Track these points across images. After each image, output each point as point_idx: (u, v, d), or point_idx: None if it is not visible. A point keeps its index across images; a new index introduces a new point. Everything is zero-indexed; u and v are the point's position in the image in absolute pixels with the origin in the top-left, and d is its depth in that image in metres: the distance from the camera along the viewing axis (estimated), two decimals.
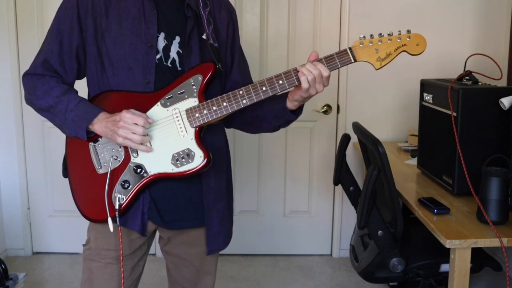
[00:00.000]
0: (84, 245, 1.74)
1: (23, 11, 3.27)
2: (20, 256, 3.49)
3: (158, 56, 1.60)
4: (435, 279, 2.30)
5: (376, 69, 1.58)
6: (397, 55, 1.57)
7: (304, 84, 1.54)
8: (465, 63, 2.36)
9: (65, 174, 1.69)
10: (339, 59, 1.56)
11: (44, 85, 1.60)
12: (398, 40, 1.55)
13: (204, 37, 1.63)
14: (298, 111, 1.67)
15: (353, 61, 1.56)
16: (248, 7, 3.33)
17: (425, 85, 2.50)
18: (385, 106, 3.37)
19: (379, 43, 1.56)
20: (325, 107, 3.37)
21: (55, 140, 3.36)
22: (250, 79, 1.80)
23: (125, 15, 1.60)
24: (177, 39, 1.62)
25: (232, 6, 1.78)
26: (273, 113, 1.67)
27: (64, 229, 3.43)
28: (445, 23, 3.29)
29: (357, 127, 2.48)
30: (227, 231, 1.79)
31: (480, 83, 2.27)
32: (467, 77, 2.30)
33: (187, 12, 1.62)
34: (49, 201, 3.46)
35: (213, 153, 1.62)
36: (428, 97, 2.45)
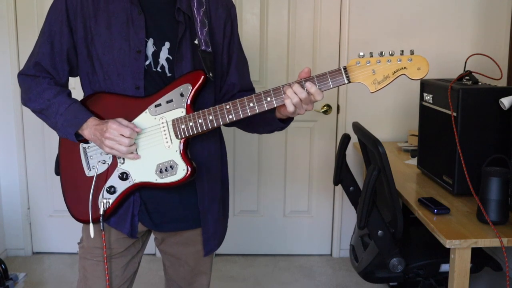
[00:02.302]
0: (78, 243, 1.76)
1: (23, 11, 3.27)
2: (20, 256, 3.49)
3: (147, 62, 1.58)
4: (435, 279, 2.30)
5: (371, 92, 1.46)
6: (395, 79, 1.45)
7: (290, 108, 1.46)
8: (465, 63, 2.36)
9: (57, 172, 1.71)
10: (332, 79, 1.45)
11: (37, 87, 1.60)
12: (398, 62, 1.44)
13: (196, 42, 1.59)
14: (288, 120, 1.62)
15: (346, 82, 1.45)
16: (248, 7, 3.33)
17: (425, 85, 2.50)
18: (385, 106, 3.37)
19: (377, 63, 1.44)
20: (325, 107, 3.37)
21: (55, 140, 3.32)
22: (248, 81, 1.77)
23: (114, 19, 1.58)
24: (167, 45, 1.59)
25: (231, 1, 1.73)
26: (265, 121, 1.65)
27: (64, 229, 3.43)
28: (445, 23, 3.29)
29: (357, 127, 2.48)
30: (222, 232, 1.80)
31: (480, 83, 2.27)
32: (467, 77, 2.30)
33: (178, 17, 1.58)
34: (49, 201, 3.46)
35: (205, 159, 1.62)
36: (428, 97, 2.45)
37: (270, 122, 1.63)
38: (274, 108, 1.55)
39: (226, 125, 1.76)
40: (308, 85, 1.45)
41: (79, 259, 1.74)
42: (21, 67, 3.59)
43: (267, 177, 3.50)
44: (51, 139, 3.37)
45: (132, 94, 1.59)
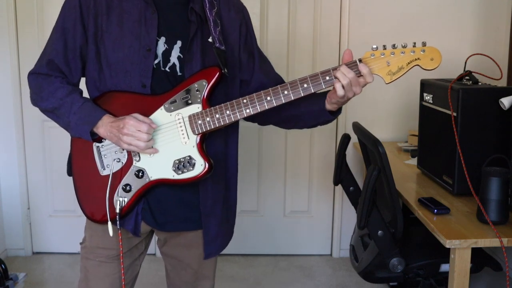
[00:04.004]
0: (80, 243, 1.75)
1: (23, 11, 3.27)
2: (20, 256, 3.49)
3: (156, 61, 1.58)
4: (435, 279, 2.30)
5: (386, 83, 1.50)
6: (409, 69, 1.49)
7: (340, 92, 1.48)
8: (465, 63, 2.36)
9: (70, 172, 1.69)
10: None
11: (49, 86, 1.59)
12: (412, 54, 1.48)
13: (210, 40, 1.59)
14: (337, 112, 1.63)
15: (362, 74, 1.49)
16: (248, 7, 3.30)
17: (425, 85, 2.50)
18: (385, 106, 3.37)
19: (391, 55, 1.48)
20: None
21: (55, 140, 3.37)
22: (275, 76, 1.76)
23: (127, 17, 1.58)
24: (179, 43, 1.59)
25: (242, 4, 1.74)
26: (311, 114, 1.65)
27: (64, 229, 3.43)
28: (445, 23, 3.29)
29: (357, 127, 2.48)
30: (226, 234, 1.77)
31: (480, 83, 2.27)
32: (467, 77, 2.30)
33: (191, 17, 1.59)
34: (49, 201, 3.46)
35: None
36: (428, 97, 2.45)
37: (318, 115, 1.63)
38: (323, 102, 1.59)
39: (262, 123, 1.76)
40: (361, 66, 1.48)
41: (81, 259, 1.73)
42: (21, 67, 3.60)
43: (267, 177, 3.51)
44: (51, 139, 3.37)
45: (138, 92, 1.58)
